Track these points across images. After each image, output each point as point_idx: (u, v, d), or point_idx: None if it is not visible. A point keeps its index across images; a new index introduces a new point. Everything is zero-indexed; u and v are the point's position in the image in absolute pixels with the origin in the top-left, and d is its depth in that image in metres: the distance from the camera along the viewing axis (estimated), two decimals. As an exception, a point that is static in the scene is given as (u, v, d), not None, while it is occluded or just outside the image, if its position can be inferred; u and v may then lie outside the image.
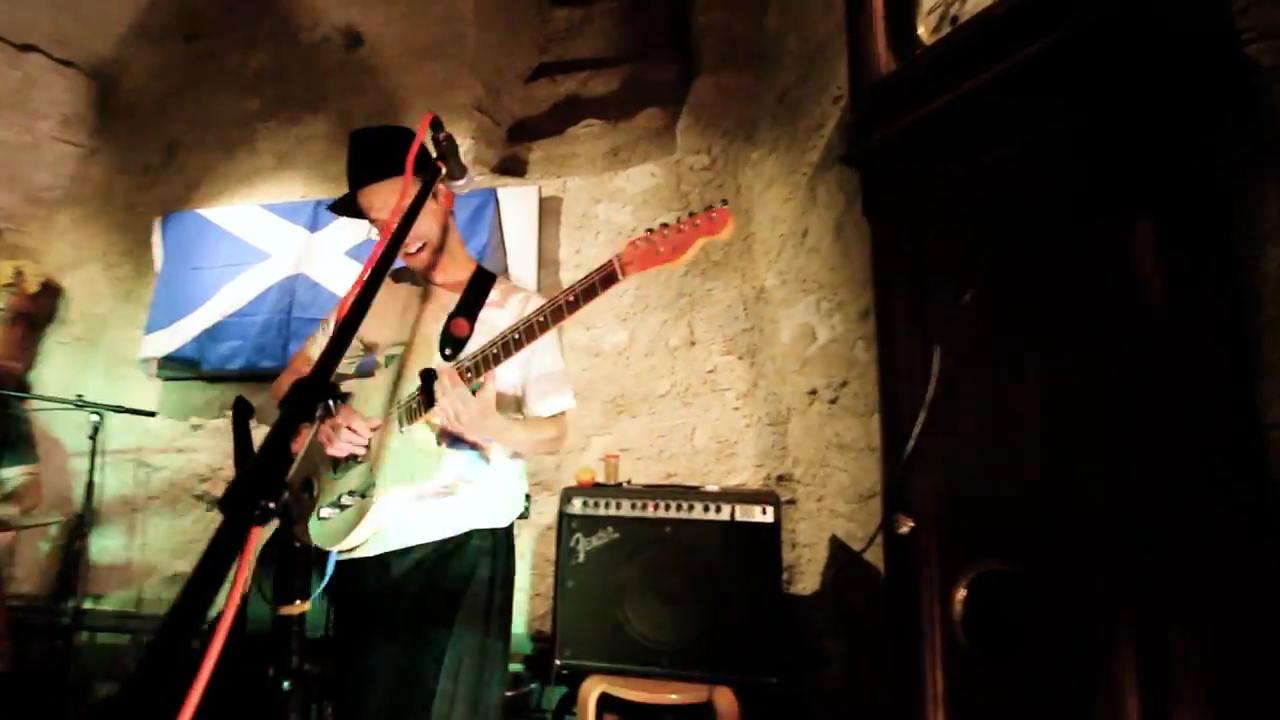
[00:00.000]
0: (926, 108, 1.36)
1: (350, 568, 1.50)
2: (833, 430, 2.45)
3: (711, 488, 2.41)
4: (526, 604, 2.98)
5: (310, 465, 0.51)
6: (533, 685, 2.70)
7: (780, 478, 2.84)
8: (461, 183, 1.34)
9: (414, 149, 1.08)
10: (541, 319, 1.31)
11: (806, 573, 2.67)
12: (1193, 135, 1.07)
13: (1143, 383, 1.02)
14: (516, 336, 1.33)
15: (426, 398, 1.36)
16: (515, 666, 2.77)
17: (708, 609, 2.13)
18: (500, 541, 1.57)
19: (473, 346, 1.43)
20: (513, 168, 3.49)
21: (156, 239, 3.51)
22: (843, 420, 2.38)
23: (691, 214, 1.27)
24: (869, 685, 2.08)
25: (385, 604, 1.44)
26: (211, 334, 3.26)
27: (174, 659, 0.39)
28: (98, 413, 2.63)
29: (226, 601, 0.48)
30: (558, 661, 2.17)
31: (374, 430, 1.46)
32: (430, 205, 1.49)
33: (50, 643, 2.85)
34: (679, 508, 2.25)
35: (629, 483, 2.57)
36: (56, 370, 3.70)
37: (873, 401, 2.14)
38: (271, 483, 0.47)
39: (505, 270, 3.06)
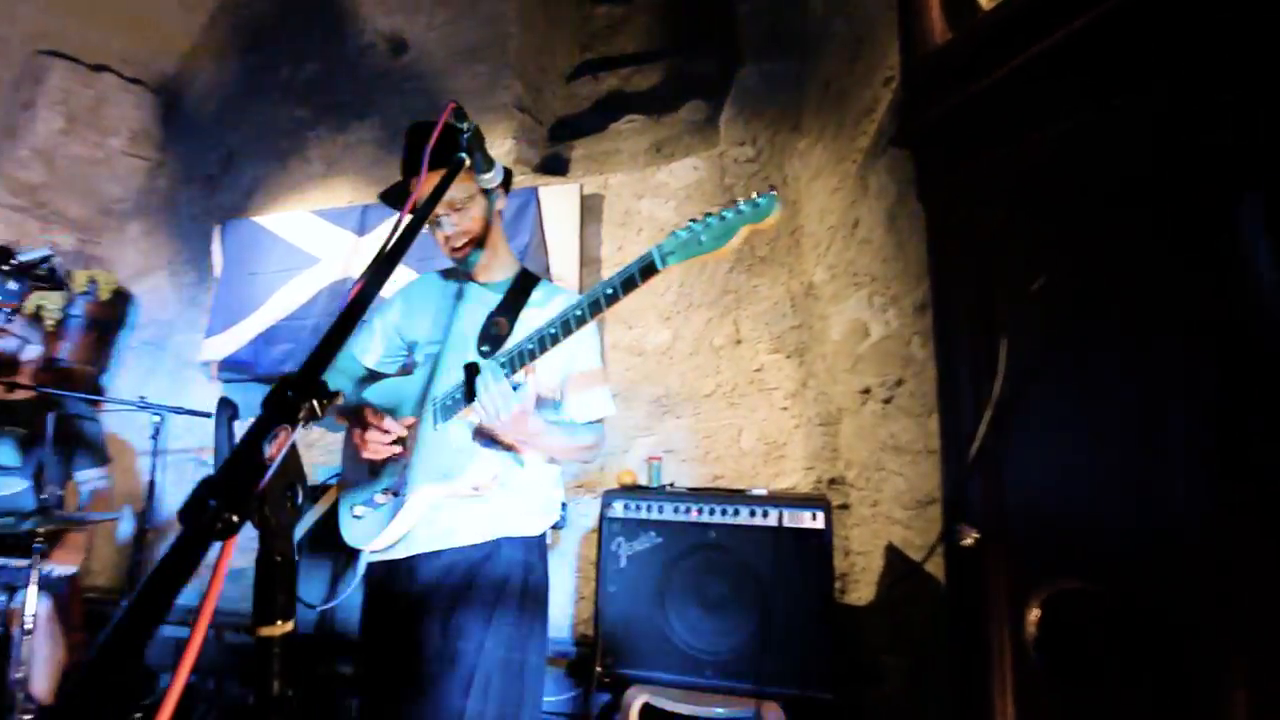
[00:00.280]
0: (987, 79, 1.25)
1: (380, 571, 1.48)
2: (887, 431, 2.31)
3: (759, 491, 2.32)
4: (571, 607, 2.94)
5: (294, 472, 0.48)
6: (576, 692, 2.65)
7: (831, 481, 2.72)
8: (489, 175, 1.30)
9: (434, 138, 1.04)
10: (579, 312, 1.26)
11: (860, 582, 2.54)
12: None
13: (1245, 379, 0.89)
14: (553, 331, 1.28)
15: (468, 391, 1.31)
16: (560, 671, 2.73)
17: (755, 618, 2.04)
18: (533, 550, 1.51)
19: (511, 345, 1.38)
20: (555, 166, 3.46)
21: (216, 246, 3.64)
22: (898, 421, 2.24)
23: (735, 201, 1.18)
24: (929, 704, 1.94)
25: (413, 614, 1.40)
26: (266, 337, 3.35)
27: (111, 681, 0.34)
28: (159, 414, 2.72)
29: (199, 613, 0.43)
30: (599, 668, 2.11)
31: (408, 428, 1.43)
32: (480, 201, 1.47)
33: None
34: (724, 512, 2.16)
35: (672, 485, 2.50)
36: (127, 374, 3.88)
37: (931, 401, 2.00)
38: (239, 493, 0.42)
39: (547, 270, 3.04)
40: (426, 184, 1.37)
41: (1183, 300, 0.96)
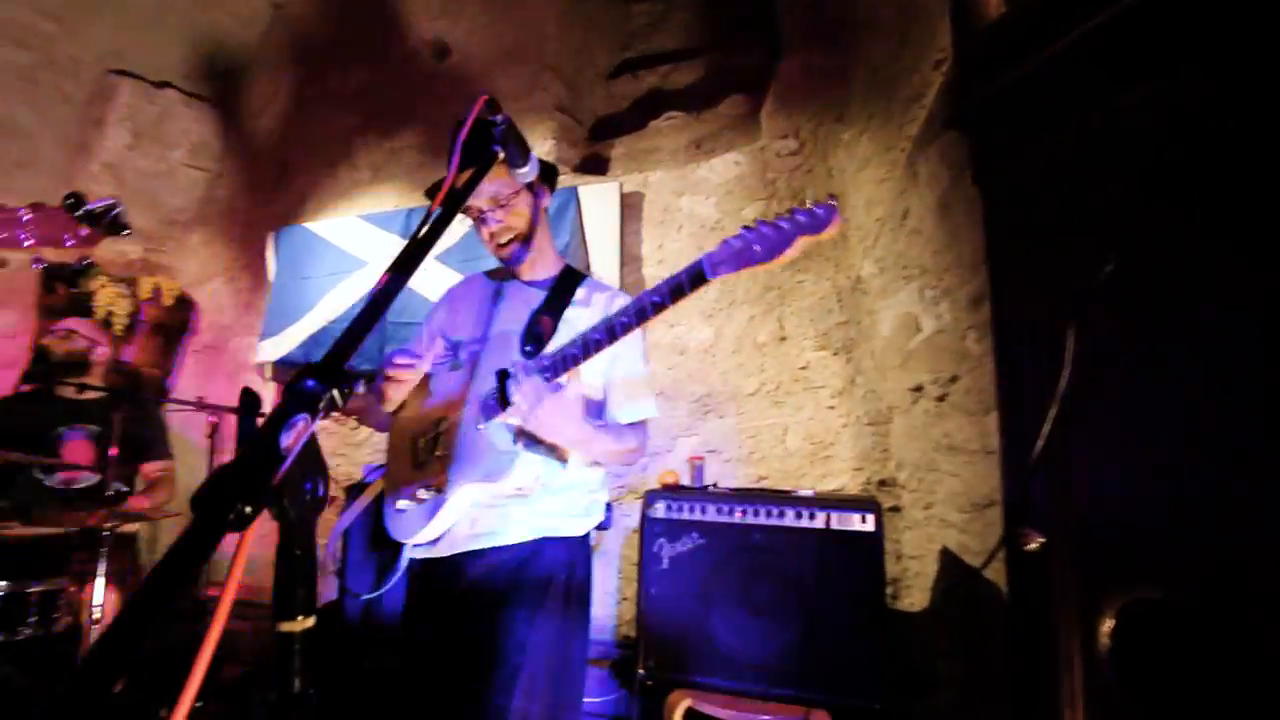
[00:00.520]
0: (1048, 51, 1.17)
1: (424, 568, 1.48)
2: (941, 430, 2.21)
3: (805, 492, 2.25)
4: (613, 608, 2.92)
5: (314, 464, 0.46)
6: (619, 694, 2.62)
7: (882, 483, 2.62)
8: (525, 170, 1.28)
9: (464, 132, 1.02)
10: (625, 319, 1.23)
11: (914, 588, 2.44)
12: None
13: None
14: (597, 337, 1.25)
15: (501, 397, 1.30)
16: (600, 672, 2.72)
17: (802, 623, 1.97)
18: (577, 551, 1.50)
19: (555, 345, 1.37)
20: (594, 166, 3.46)
21: (270, 252, 3.76)
22: (953, 419, 2.14)
23: (793, 210, 1.10)
24: (986, 717, 1.84)
25: (458, 612, 1.40)
26: (316, 339, 3.45)
27: (113, 668, 0.33)
28: (216, 414, 2.82)
29: (219, 604, 0.42)
30: (641, 671, 2.08)
31: (448, 426, 1.43)
32: (525, 197, 1.47)
33: (190, 626, 3.10)
34: (769, 513, 2.10)
35: (715, 486, 2.45)
36: (189, 376, 4.05)
37: (988, 398, 1.90)
38: (254, 483, 0.41)
39: (587, 269, 3.03)
40: (459, 178, 1.37)
41: (1269, 288, 0.87)
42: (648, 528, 2.21)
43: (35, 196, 3.58)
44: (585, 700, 2.61)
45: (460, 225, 3.33)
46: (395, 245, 3.41)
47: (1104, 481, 1.06)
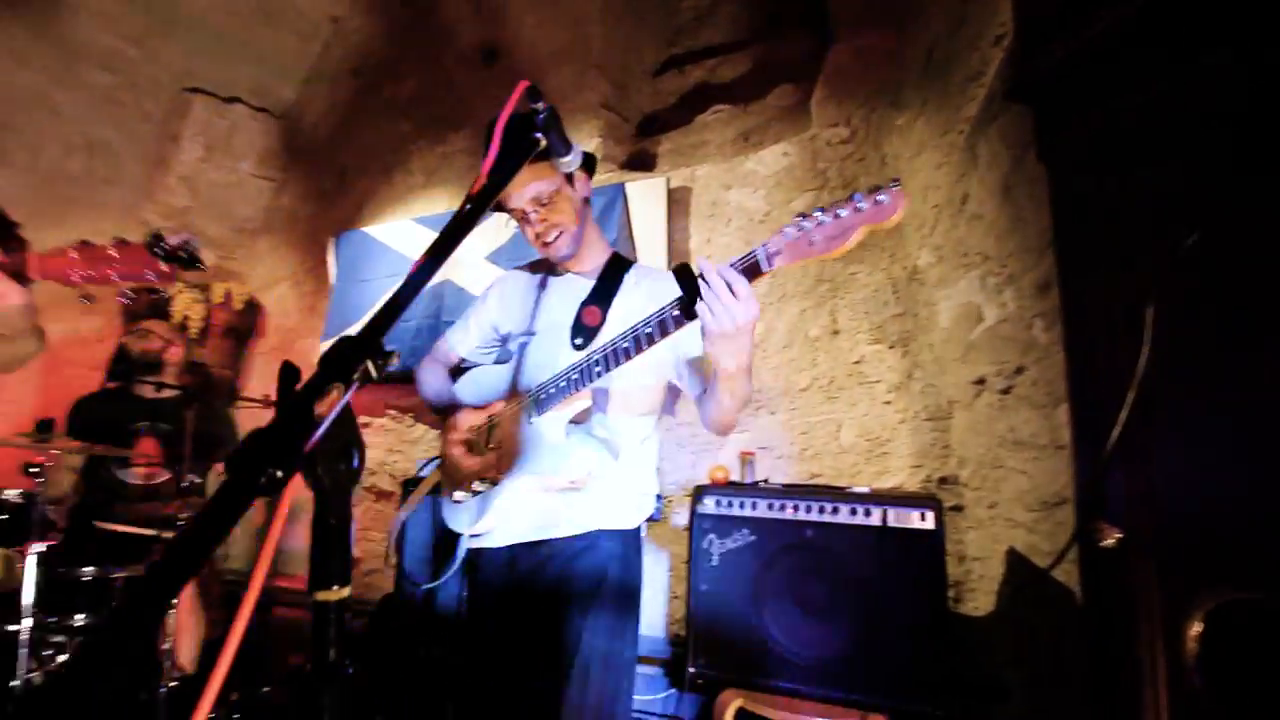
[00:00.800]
0: (1120, 11, 1.09)
1: (481, 559, 1.50)
2: (1006, 425, 2.10)
3: (861, 489, 2.17)
4: (665, 606, 2.90)
5: (349, 434, 0.46)
6: (671, 692, 2.60)
7: (942, 480, 2.51)
8: (568, 159, 1.27)
9: (502, 120, 1.02)
10: (675, 313, 1.19)
11: (978, 590, 2.33)
12: None
13: None
14: (648, 331, 1.22)
15: (688, 298, 1.15)
16: (654, 670, 2.70)
17: (859, 624, 1.90)
18: (629, 543, 1.49)
19: (604, 337, 1.36)
20: (642, 162, 3.45)
21: (331, 257, 3.91)
22: (1019, 413, 2.03)
23: (852, 196, 1.03)
24: (1062, 728, 1.74)
25: (513, 603, 1.42)
26: (397, 351, 3.55)
27: (144, 622, 0.33)
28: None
29: (253, 574, 0.42)
30: (691, 669, 2.05)
31: (500, 420, 1.45)
32: (566, 193, 1.46)
33: (259, 615, 3.24)
34: (822, 509, 2.04)
35: (766, 482, 2.40)
36: (256, 377, 4.25)
37: (1057, 390, 1.79)
38: (285, 449, 0.41)
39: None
40: (529, 175, 1.38)
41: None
42: (697, 523, 2.18)
43: (120, 210, 3.81)
44: (637, 698, 2.60)
45: (509, 226, 3.38)
46: (448, 246, 3.49)
47: (1187, 472, 0.97)
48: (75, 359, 3.42)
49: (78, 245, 1.10)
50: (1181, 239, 0.99)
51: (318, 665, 0.46)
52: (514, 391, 1.48)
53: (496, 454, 1.45)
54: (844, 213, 1.04)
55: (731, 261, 1.14)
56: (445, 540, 1.52)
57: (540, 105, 1.12)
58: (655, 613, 2.89)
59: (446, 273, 3.47)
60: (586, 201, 1.57)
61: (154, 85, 3.84)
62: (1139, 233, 1.09)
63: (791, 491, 2.15)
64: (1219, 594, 0.94)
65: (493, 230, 3.38)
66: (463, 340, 1.69)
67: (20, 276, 1.09)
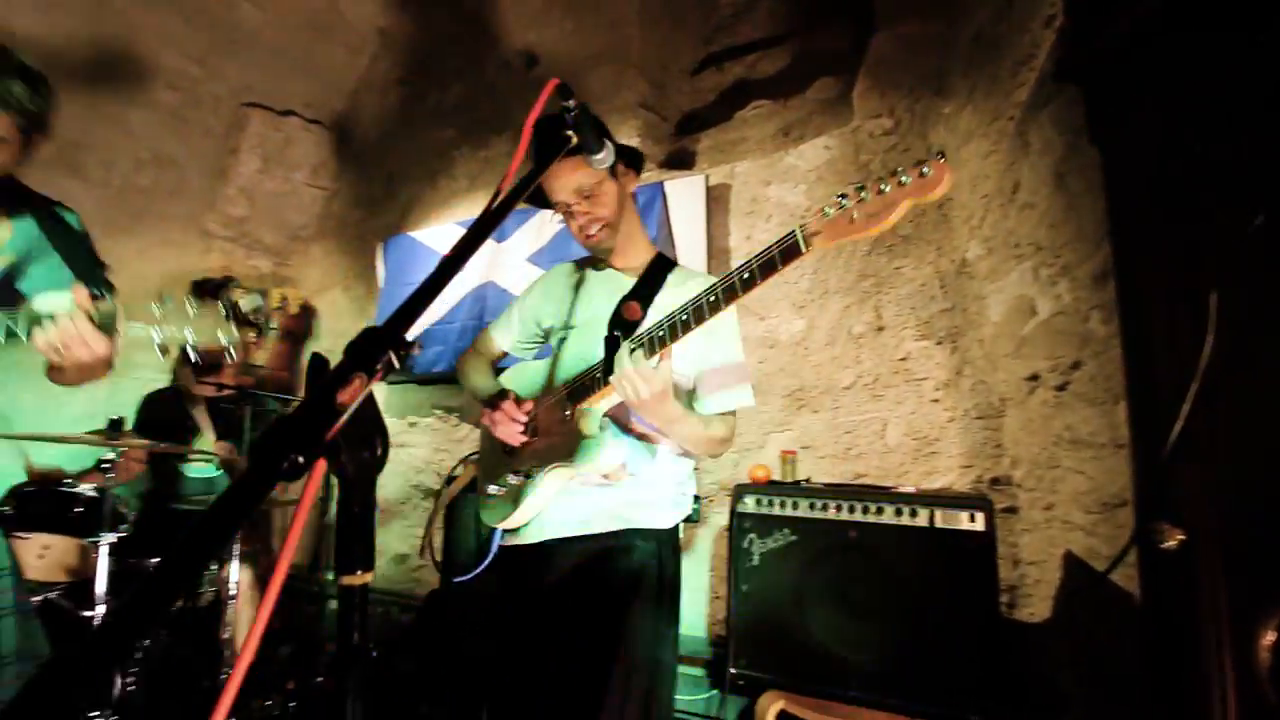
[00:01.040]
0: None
1: (515, 556, 1.51)
2: (1062, 423, 2.01)
3: (907, 489, 2.11)
4: (707, 606, 2.88)
5: (373, 423, 0.47)
6: (713, 693, 2.58)
7: (994, 481, 2.42)
8: (600, 156, 1.27)
9: (533, 116, 1.03)
10: (713, 297, 1.19)
11: (1034, 596, 2.23)
12: None
13: None
14: (685, 317, 1.22)
15: (607, 365, 1.28)
16: (696, 671, 2.68)
17: (906, 628, 1.85)
18: (665, 543, 1.48)
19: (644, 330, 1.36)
20: (681, 161, 3.44)
21: (379, 261, 4.03)
22: (1076, 410, 1.94)
23: (895, 172, 1.00)
24: (1124, 742, 1.65)
25: (548, 601, 1.42)
26: (420, 340, 3.65)
27: (157, 603, 0.34)
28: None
29: (278, 559, 0.43)
30: (732, 670, 2.03)
31: (528, 413, 1.46)
32: (610, 187, 1.46)
33: (314, 606, 3.37)
34: (866, 509, 1.99)
35: (808, 481, 2.35)
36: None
37: (1117, 386, 1.70)
38: (308, 435, 0.42)
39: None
40: (571, 171, 1.39)
41: None
42: (736, 522, 2.16)
43: (185, 220, 4.00)
44: (679, 698, 2.59)
45: (550, 226, 3.42)
46: (489, 249, 3.55)
47: (1255, 469, 0.91)
48: (145, 362, 3.62)
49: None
50: (1247, 222, 0.93)
51: (341, 647, 0.47)
52: (552, 385, 1.49)
53: (531, 447, 1.46)
54: (887, 187, 1.01)
55: (769, 245, 1.12)
56: (480, 535, 1.54)
57: (571, 103, 1.13)
58: (697, 613, 2.87)
59: (489, 274, 3.53)
60: (632, 198, 1.57)
61: (215, 101, 4.03)
62: (1201, 217, 1.03)
63: (834, 491, 2.10)
64: (1295, 601, 0.87)
65: (534, 232, 3.43)
66: (505, 334, 1.71)
67: (109, 327, 1.15)
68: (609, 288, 1.54)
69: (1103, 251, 1.69)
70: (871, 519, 1.97)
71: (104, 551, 2.08)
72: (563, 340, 1.55)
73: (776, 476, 2.48)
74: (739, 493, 2.19)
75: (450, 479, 2.00)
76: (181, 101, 3.90)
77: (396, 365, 0.52)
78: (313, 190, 4.50)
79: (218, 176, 4.20)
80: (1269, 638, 0.87)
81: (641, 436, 1.45)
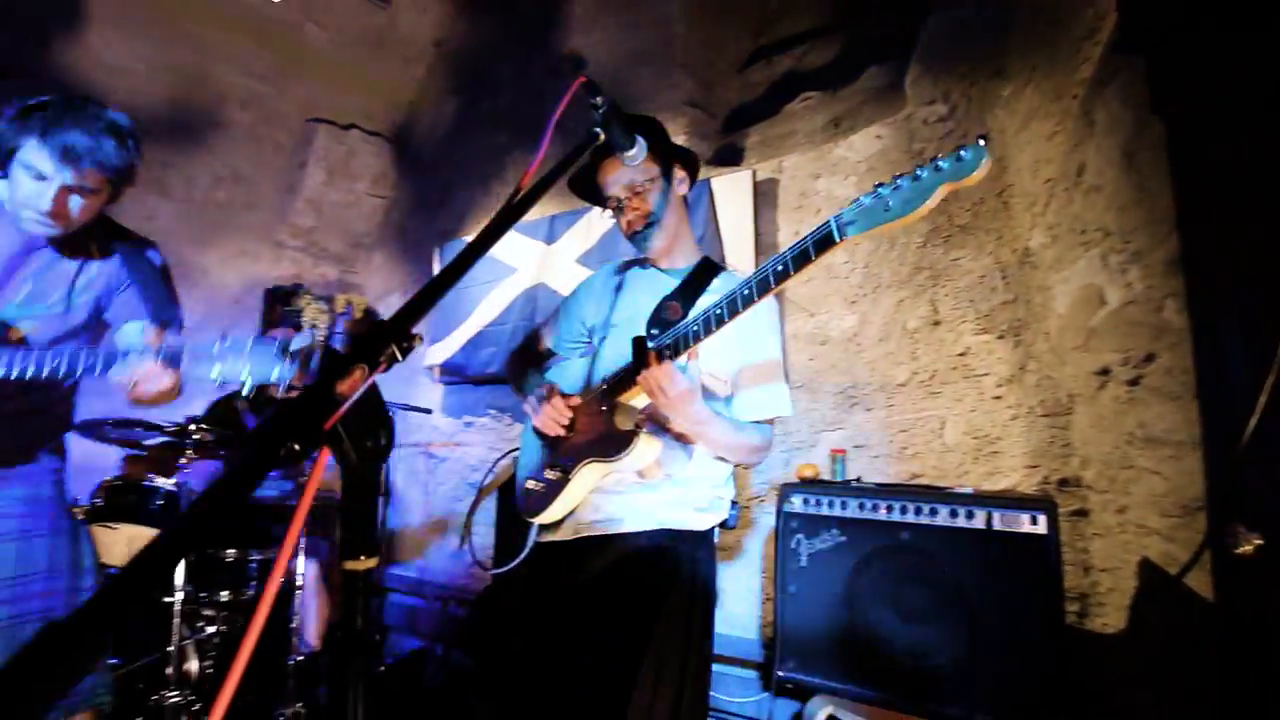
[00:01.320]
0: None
1: (550, 552, 1.51)
2: (1136, 420, 1.88)
3: (963, 489, 2.02)
4: (758, 609, 2.83)
5: (376, 414, 0.49)
6: (764, 695, 2.53)
7: (1063, 482, 2.29)
8: (632, 153, 1.27)
9: (554, 117, 1.04)
10: (746, 291, 1.16)
11: (1107, 605, 2.09)
12: None
13: None
14: (719, 311, 1.20)
15: (634, 366, 1.28)
16: (748, 674, 2.64)
17: (960, 634, 1.77)
18: (700, 546, 1.47)
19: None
20: (729, 157, 3.40)
21: (436, 266, 4.16)
22: (1150, 406, 1.81)
23: (934, 159, 0.97)
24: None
25: (579, 599, 1.42)
26: (474, 343, 3.74)
27: (158, 573, 0.36)
28: (390, 411, 3.17)
29: (282, 546, 0.45)
30: (780, 673, 1.99)
31: (573, 408, 1.47)
32: (660, 184, 1.47)
33: (376, 598, 3.50)
34: (918, 510, 1.92)
35: (858, 480, 2.28)
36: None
37: (1195, 379, 1.58)
38: (307, 423, 0.43)
39: (722, 260, 2.98)
40: (618, 168, 1.41)
41: None
42: (783, 522, 2.11)
43: (258, 232, 4.24)
44: (730, 699, 2.56)
45: (599, 227, 3.44)
46: (540, 251, 3.61)
47: (1349, 467, 0.82)
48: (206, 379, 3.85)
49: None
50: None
51: (346, 632, 0.48)
52: (591, 382, 1.50)
53: (568, 442, 1.48)
54: (923, 173, 0.97)
55: (803, 236, 1.09)
56: (518, 528, 1.56)
57: (599, 100, 1.13)
58: (749, 615, 2.83)
59: (540, 276, 3.58)
60: (684, 199, 1.57)
61: (283, 119, 4.26)
62: (1278, 198, 0.94)
63: (884, 491, 2.03)
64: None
65: (582, 234, 3.46)
66: (551, 333, 1.74)
67: (175, 360, 1.26)
68: (652, 287, 1.54)
69: (1177, 236, 1.58)
70: (924, 520, 1.90)
71: (182, 542, 2.23)
72: (603, 339, 1.56)
73: (826, 476, 2.42)
74: (786, 492, 2.15)
75: (490, 473, 2.03)
76: (254, 120, 4.13)
77: (399, 358, 0.54)
78: (374, 199, 4.69)
79: (287, 189, 4.43)
80: (1361, 653, 0.79)
81: (678, 436, 1.44)
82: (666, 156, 1.52)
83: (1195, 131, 1.10)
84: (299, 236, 4.51)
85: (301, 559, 2.57)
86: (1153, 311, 1.75)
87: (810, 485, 2.17)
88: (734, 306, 1.19)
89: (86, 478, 1.61)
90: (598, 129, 1.14)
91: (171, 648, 2.14)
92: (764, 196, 3.06)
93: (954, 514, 1.86)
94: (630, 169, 1.41)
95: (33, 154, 1.30)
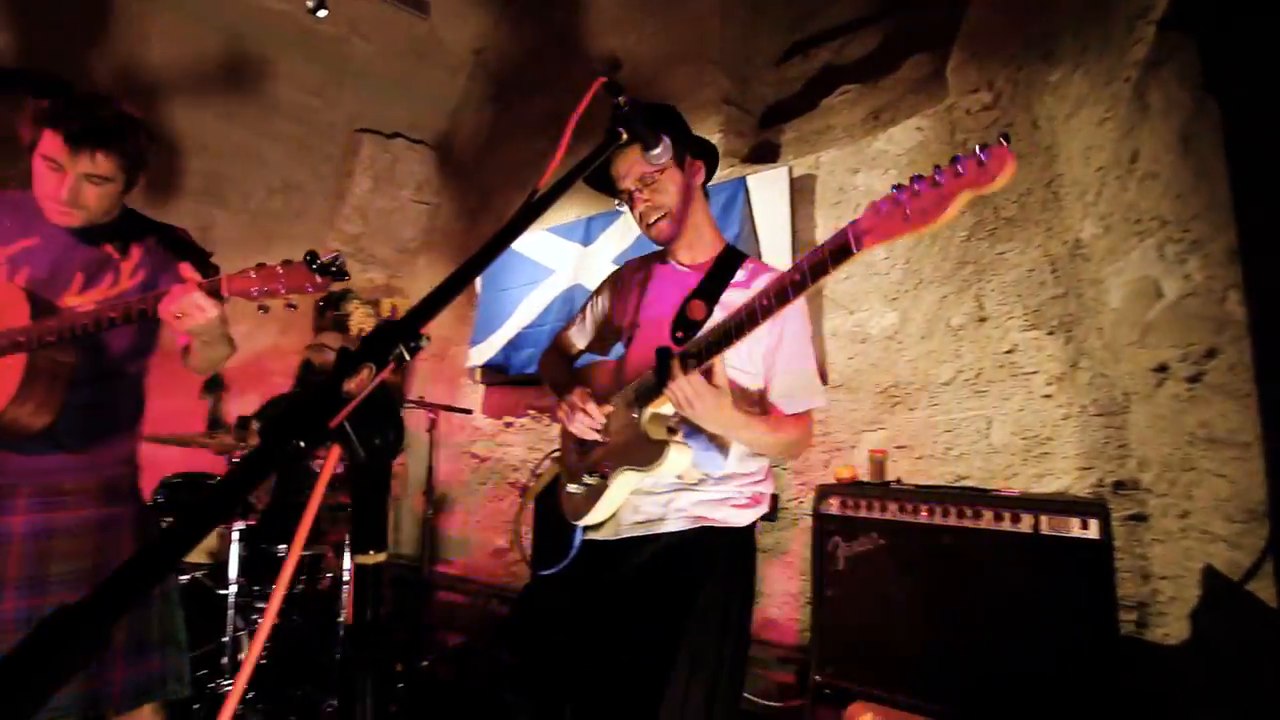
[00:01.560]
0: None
1: (594, 551, 1.52)
2: (1197, 419, 1.78)
3: (1010, 493, 1.94)
4: (797, 611, 2.79)
5: (385, 412, 0.50)
6: (802, 700, 2.49)
7: (1119, 485, 2.18)
8: (656, 151, 1.27)
9: (577, 113, 1.04)
10: (765, 302, 1.15)
11: (1168, 615, 1.99)
12: None
13: None
14: (738, 323, 1.19)
15: (658, 379, 1.27)
16: (787, 677, 2.61)
17: (1006, 643, 1.70)
18: (740, 542, 1.45)
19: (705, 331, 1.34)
20: (765, 154, 3.36)
21: (477, 270, 4.23)
22: (1212, 404, 1.71)
23: (954, 160, 0.91)
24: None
25: (618, 596, 1.42)
26: (514, 344, 3.80)
27: (182, 539, 0.37)
28: (433, 411, 3.24)
29: (291, 545, 0.46)
30: (817, 678, 1.95)
31: (607, 414, 1.47)
32: (673, 175, 1.45)
33: (421, 595, 3.59)
34: (961, 513, 1.86)
35: (898, 482, 2.22)
36: (419, 381, 4.71)
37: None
38: (313, 421, 0.45)
39: (759, 258, 2.95)
40: (635, 160, 1.40)
41: None
42: (820, 525, 2.08)
43: (309, 240, 4.41)
44: (768, 704, 2.53)
45: (636, 225, 3.45)
46: (577, 252, 3.64)
47: None
48: (275, 369, 4.02)
49: (255, 266, 1.31)
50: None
51: (357, 624, 0.49)
52: (622, 382, 1.50)
53: (604, 447, 1.48)
54: (943, 179, 0.92)
55: (820, 245, 1.07)
56: (564, 530, 1.57)
57: (621, 99, 1.13)
58: (790, 618, 2.79)
59: (577, 277, 3.61)
60: (703, 191, 1.55)
61: (332, 130, 4.41)
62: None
63: (924, 493, 1.97)
64: None
65: (619, 234, 3.48)
66: (579, 332, 1.74)
67: (215, 294, 1.33)
68: (674, 285, 1.52)
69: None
70: (968, 524, 1.83)
71: (235, 537, 2.34)
72: (630, 339, 1.55)
73: (865, 477, 2.36)
74: (821, 494, 2.11)
75: (535, 474, 2.05)
76: (304, 132, 4.29)
77: (407, 357, 0.55)
78: (418, 206, 4.82)
79: (336, 198, 4.59)
80: None
81: (714, 437, 1.43)
82: (681, 147, 1.49)
83: (1254, 112, 1.03)
84: (347, 243, 4.66)
85: (347, 556, 2.66)
86: (1214, 304, 1.65)
87: (847, 487, 2.12)
88: (754, 317, 1.17)
89: (147, 474, 1.69)
90: (620, 128, 1.14)
91: (226, 638, 2.24)
92: (801, 193, 3.02)
93: (998, 517, 1.80)
94: (642, 160, 1.39)
95: (48, 145, 1.39)
